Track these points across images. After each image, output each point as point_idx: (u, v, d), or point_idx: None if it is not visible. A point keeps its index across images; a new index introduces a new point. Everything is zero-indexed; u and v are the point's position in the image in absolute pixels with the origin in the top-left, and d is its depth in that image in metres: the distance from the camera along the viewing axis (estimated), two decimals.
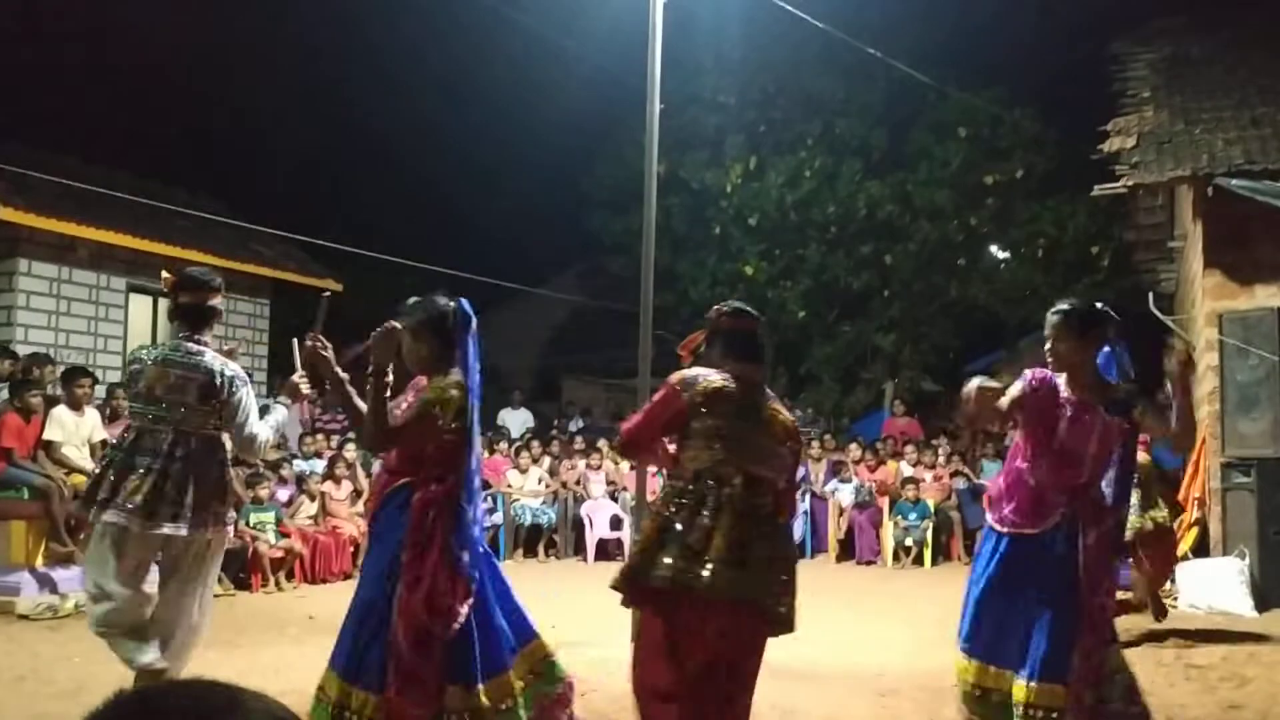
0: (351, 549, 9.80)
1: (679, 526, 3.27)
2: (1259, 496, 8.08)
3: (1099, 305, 3.82)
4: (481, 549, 3.72)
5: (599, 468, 11.85)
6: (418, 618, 3.44)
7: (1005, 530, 3.73)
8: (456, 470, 3.61)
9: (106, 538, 4.19)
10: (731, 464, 3.31)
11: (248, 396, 4.35)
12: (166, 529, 4.13)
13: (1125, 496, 3.81)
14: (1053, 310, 3.80)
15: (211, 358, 4.32)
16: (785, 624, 3.46)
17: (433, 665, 3.48)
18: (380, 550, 3.62)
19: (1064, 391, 3.72)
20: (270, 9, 22.28)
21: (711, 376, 3.40)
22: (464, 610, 3.50)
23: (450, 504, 3.57)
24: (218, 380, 4.25)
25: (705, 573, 3.19)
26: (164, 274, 4.47)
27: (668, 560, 3.24)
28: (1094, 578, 3.57)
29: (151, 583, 4.35)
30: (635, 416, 3.59)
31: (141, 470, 4.15)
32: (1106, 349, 3.80)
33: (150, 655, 4.15)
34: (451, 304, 3.71)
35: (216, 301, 4.48)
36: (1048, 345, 3.76)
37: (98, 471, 4.42)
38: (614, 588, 3.41)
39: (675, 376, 3.45)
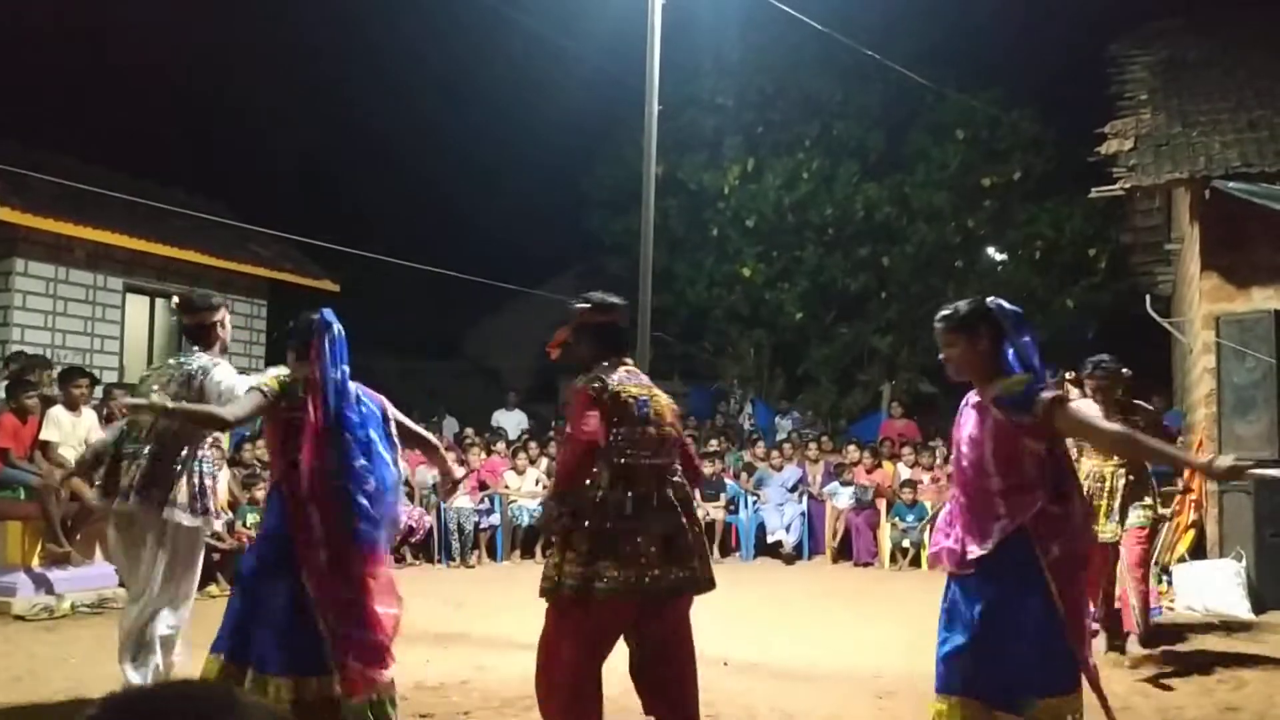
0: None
1: (610, 534, 3.43)
2: (1255, 499, 8.08)
3: (984, 299, 3.56)
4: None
5: None
6: (340, 594, 3.68)
7: (962, 572, 3.50)
8: (315, 452, 3.75)
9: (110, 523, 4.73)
10: (635, 462, 3.49)
11: (225, 379, 4.58)
12: (116, 504, 4.55)
13: (1059, 497, 3.38)
14: (935, 320, 3.58)
15: (195, 359, 4.68)
16: (709, 584, 3.67)
17: (380, 628, 3.75)
18: (267, 545, 3.86)
19: (972, 399, 3.54)
20: (269, 9, 22.28)
21: (614, 380, 3.56)
22: (375, 574, 3.78)
23: (322, 485, 3.73)
24: (194, 377, 4.59)
25: (654, 574, 3.43)
26: (173, 298, 5.03)
27: (613, 572, 3.40)
28: (1063, 587, 3.32)
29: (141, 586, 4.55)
30: (565, 455, 3.71)
31: (124, 459, 4.58)
32: (1009, 346, 3.50)
33: (129, 677, 4.28)
34: (315, 316, 3.97)
35: (217, 318, 4.86)
36: (941, 356, 3.57)
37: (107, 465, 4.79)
38: (548, 595, 3.53)
39: (583, 384, 3.56)
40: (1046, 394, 3.31)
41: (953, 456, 3.63)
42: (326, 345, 3.86)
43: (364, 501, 3.78)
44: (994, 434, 3.36)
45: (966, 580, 3.49)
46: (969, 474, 3.45)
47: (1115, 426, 3.69)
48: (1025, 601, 3.35)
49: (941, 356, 3.57)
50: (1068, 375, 7.03)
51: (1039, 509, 3.32)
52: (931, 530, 3.87)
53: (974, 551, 3.42)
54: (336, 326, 3.92)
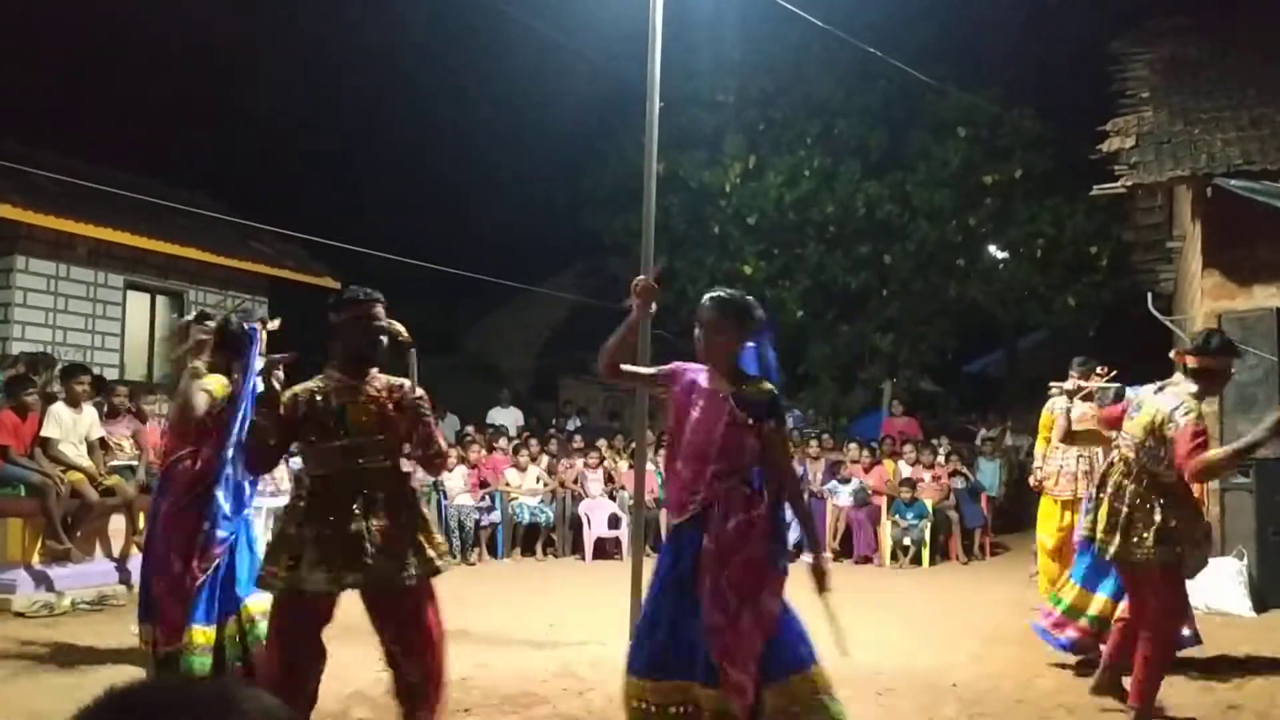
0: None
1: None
2: (1257, 497, 8.07)
3: (748, 297, 3.70)
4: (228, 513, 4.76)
5: (597, 467, 11.85)
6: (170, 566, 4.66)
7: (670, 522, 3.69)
8: (213, 450, 4.73)
9: None
10: None
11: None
12: None
13: (773, 495, 3.58)
14: (710, 297, 3.65)
15: None
16: None
17: (181, 606, 4.60)
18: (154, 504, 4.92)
19: (703, 383, 3.60)
20: (272, 7, 22.25)
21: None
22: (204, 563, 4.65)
23: (204, 478, 4.69)
24: None
25: None
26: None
27: None
28: (732, 567, 3.38)
29: None
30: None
31: None
32: (752, 345, 3.67)
33: None
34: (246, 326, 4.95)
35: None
36: (702, 333, 3.60)
37: None
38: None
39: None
40: (780, 424, 3.61)
41: (671, 424, 3.69)
42: (250, 357, 4.72)
43: (222, 501, 4.69)
44: (728, 424, 3.50)
45: (675, 539, 3.61)
46: (690, 449, 3.56)
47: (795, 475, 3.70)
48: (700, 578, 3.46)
49: (699, 334, 3.62)
50: (1100, 370, 6.94)
51: (731, 487, 3.48)
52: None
53: (674, 518, 3.62)
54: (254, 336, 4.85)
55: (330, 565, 3.64)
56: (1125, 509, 4.64)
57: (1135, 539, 4.60)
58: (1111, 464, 4.86)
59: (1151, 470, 4.67)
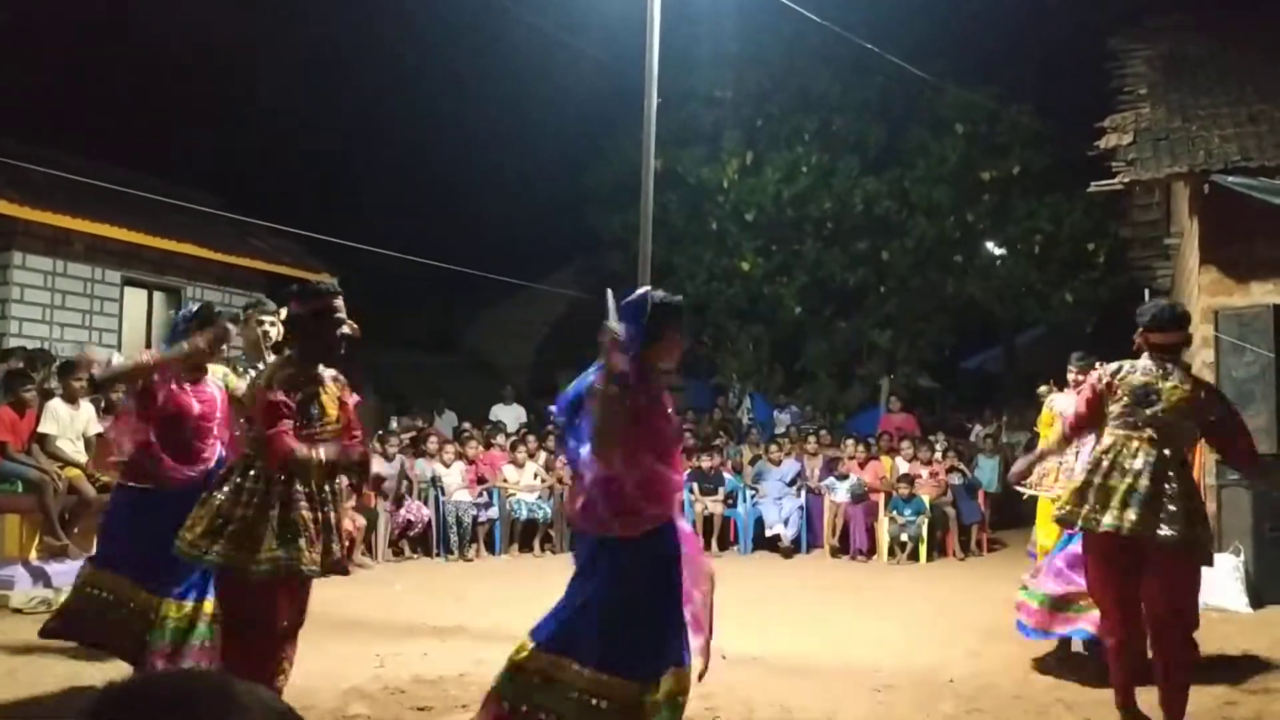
0: (348, 543, 9.79)
1: None
2: (1254, 493, 8.08)
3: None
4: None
5: None
6: None
7: (639, 535, 3.53)
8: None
9: None
10: None
11: None
12: None
13: None
14: (678, 303, 4.01)
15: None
16: None
17: None
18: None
19: (649, 381, 3.72)
20: (272, 6, 22.22)
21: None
22: None
23: None
24: None
25: None
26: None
27: None
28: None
29: None
30: None
31: None
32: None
33: None
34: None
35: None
36: (677, 334, 3.91)
37: None
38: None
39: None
40: None
41: (648, 421, 3.66)
42: None
43: None
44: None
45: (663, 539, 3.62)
46: (677, 449, 3.77)
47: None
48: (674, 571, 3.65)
49: (678, 336, 3.90)
50: (1097, 366, 6.78)
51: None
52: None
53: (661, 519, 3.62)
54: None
55: (290, 549, 3.71)
56: (1151, 487, 4.31)
57: (1163, 518, 4.26)
58: (1127, 448, 4.43)
59: (1189, 449, 4.61)
